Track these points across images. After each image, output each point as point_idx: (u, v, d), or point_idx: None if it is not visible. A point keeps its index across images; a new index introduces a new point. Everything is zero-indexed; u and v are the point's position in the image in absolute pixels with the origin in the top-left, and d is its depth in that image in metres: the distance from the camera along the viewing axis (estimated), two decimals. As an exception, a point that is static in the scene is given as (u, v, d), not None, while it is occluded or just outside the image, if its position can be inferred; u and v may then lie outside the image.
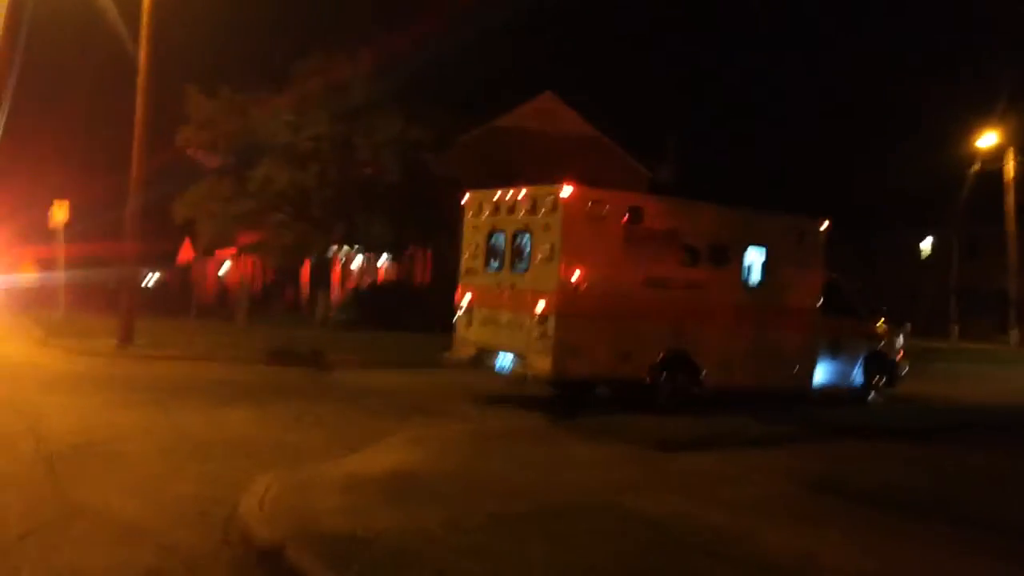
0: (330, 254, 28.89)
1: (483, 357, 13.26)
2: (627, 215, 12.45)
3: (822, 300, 14.28)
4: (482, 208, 13.65)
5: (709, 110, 45.27)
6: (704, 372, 12.97)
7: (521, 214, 12.77)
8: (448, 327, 14.26)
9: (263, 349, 18.10)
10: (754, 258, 13.74)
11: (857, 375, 14.99)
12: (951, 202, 41.54)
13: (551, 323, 11.96)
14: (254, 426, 10.40)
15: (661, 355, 12.66)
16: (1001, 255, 39.60)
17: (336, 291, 31.83)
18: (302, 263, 33.29)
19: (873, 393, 15.19)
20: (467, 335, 13.61)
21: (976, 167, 39.83)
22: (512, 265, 13.03)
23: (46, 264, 30.88)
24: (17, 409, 10.61)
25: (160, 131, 22.46)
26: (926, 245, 50.49)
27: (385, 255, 33.94)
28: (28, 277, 35.06)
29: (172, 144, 25.67)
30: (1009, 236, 38.97)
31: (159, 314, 24.97)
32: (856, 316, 15.10)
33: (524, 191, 12.76)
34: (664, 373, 12.69)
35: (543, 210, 12.30)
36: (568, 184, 12.06)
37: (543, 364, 12.02)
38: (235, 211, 24.49)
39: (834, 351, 14.60)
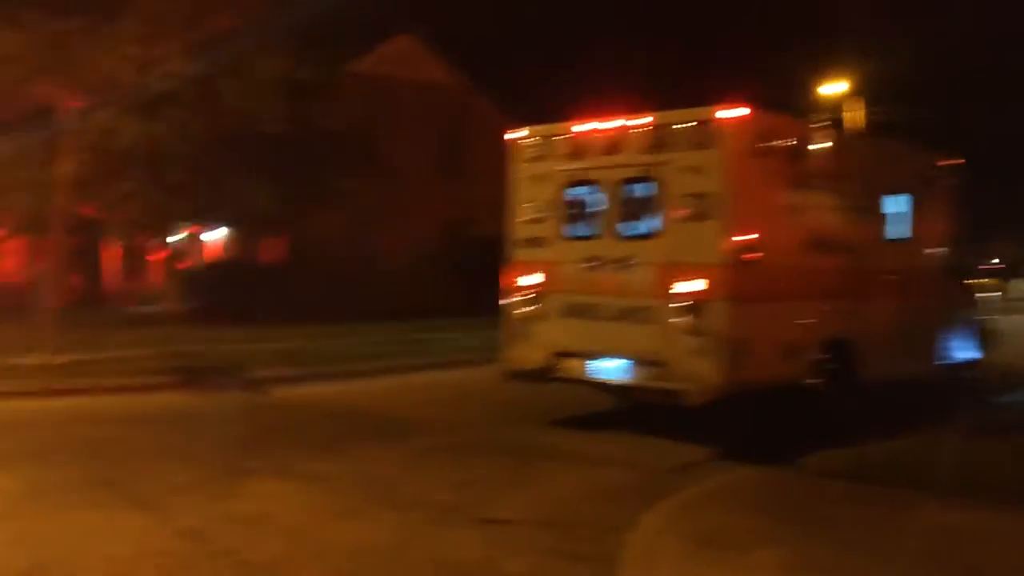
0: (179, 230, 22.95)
1: (563, 365, 9.21)
2: (793, 151, 8.80)
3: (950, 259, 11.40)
4: (550, 150, 9.48)
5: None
6: (862, 362, 9.63)
7: (635, 154, 8.77)
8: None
9: (159, 367, 12.86)
10: (900, 208, 10.54)
11: (972, 348, 12.22)
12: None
13: (716, 312, 8.11)
14: (358, 528, 5.89)
15: (824, 345, 9.19)
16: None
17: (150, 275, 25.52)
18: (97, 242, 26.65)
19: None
20: (536, 334, 9.45)
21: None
22: (616, 230, 9.03)
23: None
24: None
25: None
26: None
27: (222, 230, 28.10)
28: None
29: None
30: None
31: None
32: (969, 277, 12.38)
33: (644, 120, 8.73)
34: (829, 369, 9.23)
35: (686, 145, 8.37)
36: (735, 106, 8.19)
37: (706, 373, 8.13)
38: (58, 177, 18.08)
39: (956, 321, 11.77)
